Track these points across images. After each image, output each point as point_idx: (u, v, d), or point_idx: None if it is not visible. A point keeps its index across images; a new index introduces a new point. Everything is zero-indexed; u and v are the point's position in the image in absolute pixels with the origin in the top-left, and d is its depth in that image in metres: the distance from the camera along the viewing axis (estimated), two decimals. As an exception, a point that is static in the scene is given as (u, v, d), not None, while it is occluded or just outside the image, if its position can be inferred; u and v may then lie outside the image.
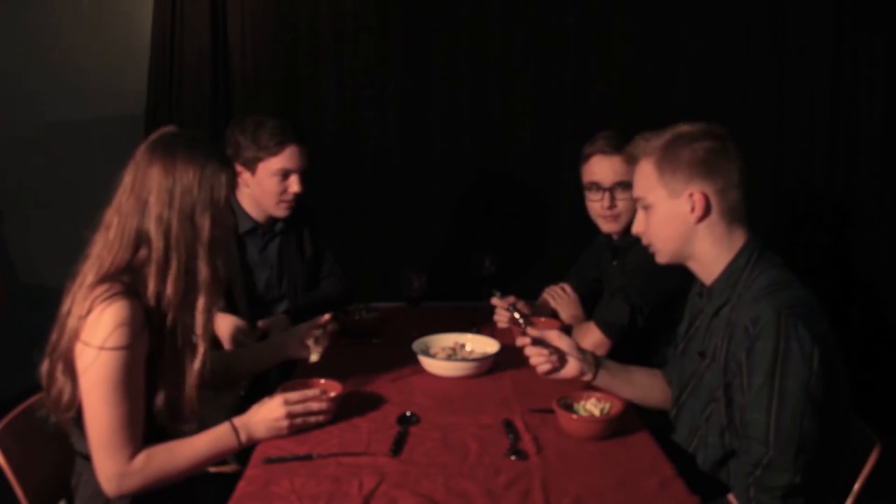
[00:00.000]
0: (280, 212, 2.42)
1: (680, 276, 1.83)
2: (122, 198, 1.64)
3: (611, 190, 2.28)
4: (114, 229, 1.61)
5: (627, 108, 3.39)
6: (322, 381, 1.85)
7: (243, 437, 1.65)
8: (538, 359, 1.88)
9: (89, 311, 1.52)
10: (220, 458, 1.67)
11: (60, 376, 1.58)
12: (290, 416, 1.68)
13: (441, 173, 3.55)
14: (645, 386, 1.92)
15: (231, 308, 2.30)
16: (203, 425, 1.66)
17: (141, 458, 1.54)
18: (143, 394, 1.57)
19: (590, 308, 2.44)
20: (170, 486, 1.59)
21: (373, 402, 1.87)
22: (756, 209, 1.76)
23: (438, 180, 3.56)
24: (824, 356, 1.52)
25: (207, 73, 3.53)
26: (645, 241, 1.79)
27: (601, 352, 2.12)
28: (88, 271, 1.60)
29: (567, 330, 2.30)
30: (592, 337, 2.18)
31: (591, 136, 2.40)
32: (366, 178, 3.57)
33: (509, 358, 2.11)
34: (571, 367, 1.87)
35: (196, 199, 1.61)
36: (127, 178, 1.65)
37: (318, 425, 1.73)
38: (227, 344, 2.17)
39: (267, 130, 2.34)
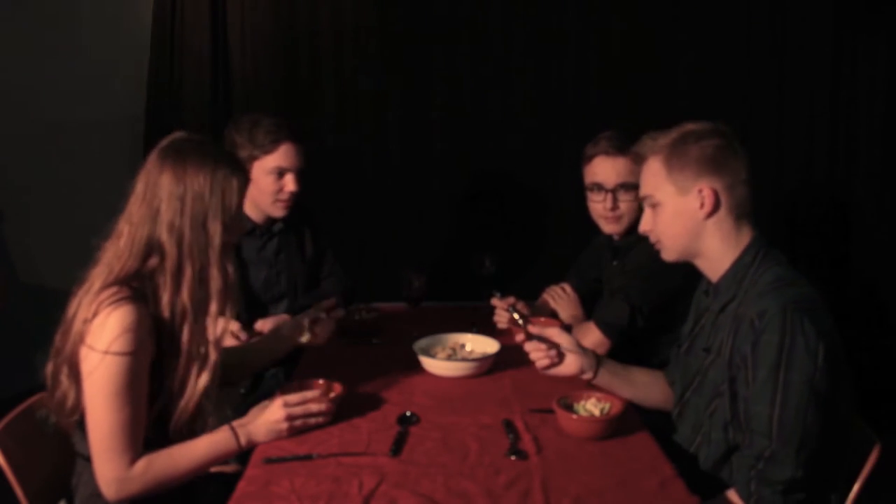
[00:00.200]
0: (277, 211, 2.42)
1: (680, 276, 1.84)
2: (134, 206, 1.63)
3: (613, 191, 2.28)
4: (125, 238, 1.61)
5: (627, 108, 3.39)
6: (321, 381, 1.85)
7: (243, 441, 1.64)
8: (537, 354, 1.88)
9: (95, 315, 1.52)
10: (220, 462, 1.67)
11: (65, 380, 1.58)
12: (290, 417, 1.68)
13: (441, 173, 3.55)
14: (645, 386, 1.92)
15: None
16: (205, 424, 1.66)
17: (141, 463, 1.55)
18: (146, 399, 1.57)
19: (589, 308, 2.44)
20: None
21: (373, 402, 1.87)
22: (756, 209, 1.76)
23: (438, 180, 3.56)
24: (829, 352, 1.53)
25: (207, 73, 3.53)
26: (652, 238, 1.80)
27: (601, 352, 2.12)
28: (96, 278, 1.59)
29: (567, 330, 2.30)
30: (592, 337, 2.18)
31: (591, 136, 2.40)
32: (366, 178, 3.57)
33: (509, 358, 2.11)
34: (571, 364, 1.87)
35: (207, 205, 1.61)
36: (139, 186, 1.64)
37: (318, 426, 1.73)
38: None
39: (262, 129, 2.34)
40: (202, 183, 1.60)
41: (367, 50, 3.52)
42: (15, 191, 3.51)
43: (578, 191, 2.43)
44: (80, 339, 1.53)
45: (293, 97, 3.54)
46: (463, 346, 2.19)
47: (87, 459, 1.58)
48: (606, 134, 2.32)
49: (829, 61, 3.33)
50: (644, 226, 1.80)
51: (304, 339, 2.03)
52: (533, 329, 1.91)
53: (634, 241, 2.24)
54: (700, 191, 1.69)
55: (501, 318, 2.40)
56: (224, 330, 2.18)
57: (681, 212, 1.72)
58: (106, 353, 1.50)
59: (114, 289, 1.54)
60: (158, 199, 1.60)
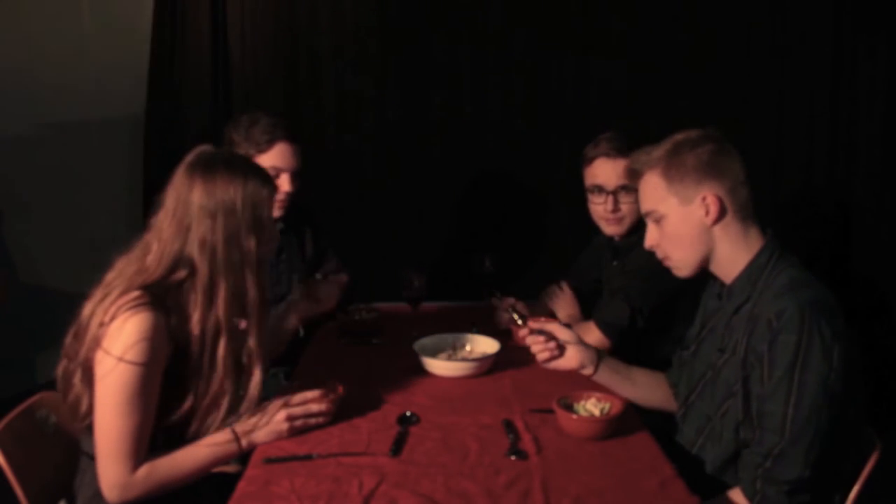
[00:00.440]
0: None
1: (679, 280, 1.83)
2: (164, 223, 1.61)
3: (614, 193, 2.27)
4: (153, 255, 1.60)
5: (627, 108, 3.39)
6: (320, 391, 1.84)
7: (244, 443, 1.65)
8: (538, 346, 1.87)
9: (113, 319, 1.52)
10: (221, 464, 1.67)
11: (78, 384, 1.59)
12: (291, 418, 1.68)
13: (441, 173, 3.55)
14: (645, 386, 1.92)
15: None
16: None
17: (143, 470, 1.55)
18: (157, 406, 1.57)
19: (588, 308, 2.44)
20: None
21: (373, 402, 1.87)
22: (756, 209, 1.76)
23: (438, 180, 3.56)
24: (844, 354, 1.53)
25: (207, 73, 3.53)
26: (660, 254, 1.78)
27: (600, 351, 2.12)
28: (115, 285, 1.58)
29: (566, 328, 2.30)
30: (592, 337, 2.18)
31: (590, 135, 2.40)
32: (365, 178, 3.57)
33: (509, 358, 2.11)
34: (572, 358, 1.86)
35: (240, 219, 1.60)
36: (168, 202, 1.62)
37: (319, 426, 1.73)
38: None
39: (259, 127, 2.34)
40: (233, 197, 1.60)
41: (367, 50, 3.52)
42: (15, 191, 3.51)
43: (578, 191, 2.43)
44: (97, 344, 1.54)
45: (293, 97, 3.54)
46: (463, 346, 2.20)
47: (93, 458, 1.59)
48: (606, 135, 2.31)
49: (829, 61, 3.33)
50: (649, 241, 1.78)
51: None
52: (534, 324, 1.90)
53: (635, 242, 2.24)
54: (703, 198, 1.68)
55: (501, 319, 2.40)
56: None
57: (687, 222, 1.70)
58: (121, 359, 1.50)
59: (134, 294, 1.54)
60: (189, 215, 1.59)
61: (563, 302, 2.47)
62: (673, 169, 1.70)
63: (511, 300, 2.42)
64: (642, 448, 1.66)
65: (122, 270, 1.61)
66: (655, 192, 1.73)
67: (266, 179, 1.67)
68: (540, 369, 1.94)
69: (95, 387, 1.54)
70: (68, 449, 1.79)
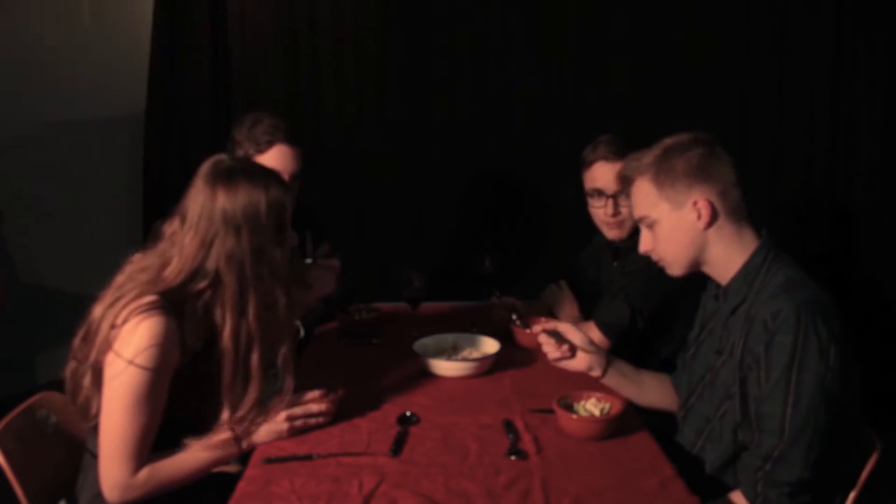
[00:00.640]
0: None
1: (682, 277, 1.83)
2: (186, 237, 1.59)
3: (614, 196, 2.27)
4: (172, 268, 1.59)
5: (627, 107, 3.39)
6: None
7: (244, 444, 1.65)
8: (548, 347, 1.87)
9: (125, 322, 1.52)
10: (221, 464, 1.68)
11: (88, 385, 1.59)
12: (291, 418, 1.69)
13: (441, 173, 3.55)
14: (653, 389, 1.92)
15: None
16: None
17: (144, 472, 1.56)
18: (164, 408, 1.58)
19: (586, 308, 2.44)
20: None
21: (373, 402, 1.87)
22: (755, 210, 1.76)
23: (438, 180, 3.56)
24: (840, 354, 1.53)
25: (207, 73, 3.53)
26: (655, 257, 1.79)
27: (600, 351, 2.12)
28: (128, 290, 1.57)
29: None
30: (592, 337, 2.17)
31: (590, 135, 2.40)
32: (366, 177, 3.57)
33: (509, 358, 2.11)
34: (581, 361, 1.86)
35: (265, 230, 1.60)
36: (190, 214, 1.60)
37: (319, 426, 1.73)
38: None
39: (260, 128, 2.34)
40: (257, 206, 1.59)
41: (367, 50, 3.52)
42: (15, 191, 3.51)
43: (578, 191, 2.43)
44: (108, 346, 1.54)
45: (293, 97, 3.54)
46: (463, 346, 2.19)
47: (96, 458, 1.59)
48: (605, 138, 2.31)
49: (829, 61, 3.33)
50: (644, 246, 1.79)
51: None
52: (547, 325, 1.90)
53: (636, 243, 2.23)
54: (695, 203, 1.68)
55: (500, 319, 2.40)
56: None
57: (679, 226, 1.71)
58: (131, 363, 1.51)
59: (149, 298, 1.54)
60: (213, 228, 1.58)
61: (564, 302, 2.47)
62: (663, 174, 1.70)
63: (510, 300, 2.42)
64: (642, 448, 1.66)
65: (135, 276, 1.60)
66: (647, 198, 1.74)
67: (284, 185, 1.67)
68: (540, 369, 1.95)
69: (104, 388, 1.55)
70: (69, 449, 1.79)
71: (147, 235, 2.44)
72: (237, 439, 1.64)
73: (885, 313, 3.39)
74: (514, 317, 2.28)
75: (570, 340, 1.86)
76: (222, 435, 1.63)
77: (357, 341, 2.36)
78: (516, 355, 2.14)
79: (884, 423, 1.99)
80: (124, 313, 1.53)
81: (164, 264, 1.60)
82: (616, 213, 2.28)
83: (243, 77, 3.56)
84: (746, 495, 1.59)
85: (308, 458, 1.60)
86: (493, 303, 2.44)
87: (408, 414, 1.80)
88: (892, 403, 3.32)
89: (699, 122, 1.81)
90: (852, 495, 1.64)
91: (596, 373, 1.87)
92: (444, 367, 2.05)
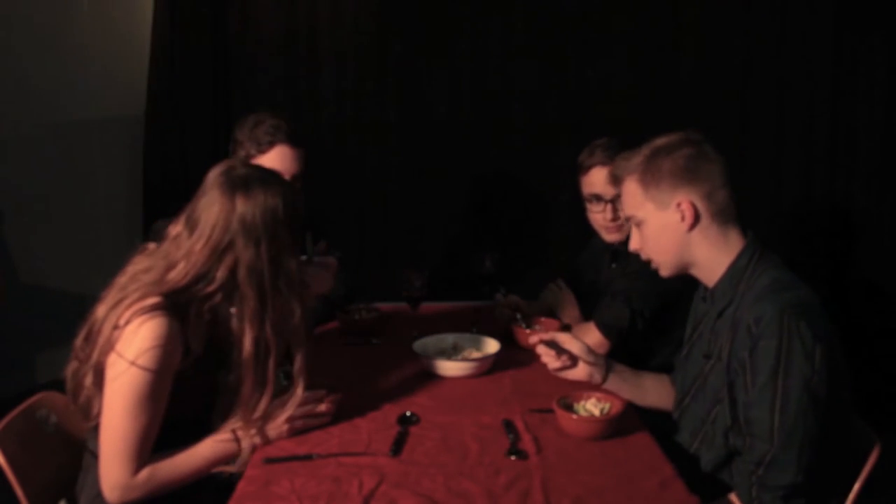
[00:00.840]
0: None
1: (681, 280, 1.83)
2: (196, 244, 1.58)
3: (612, 201, 2.27)
4: (177, 272, 1.58)
5: (627, 108, 3.39)
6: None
7: (245, 444, 1.65)
8: (548, 358, 1.88)
9: (128, 323, 1.53)
10: (221, 464, 1.68)
11: (90, 385, 1.59)
12: (291, 419, 1.69)
13: (441, 173, 3.55)
14: (654, 391, 1.92)
15: None
16: None
17: (145, 473, 1.56)
18: (165, 410, 1.58)
19: (584, 308, 2.44)
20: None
21: (373, 402, 1.87)
22: (755, 211, 1.76)
23: (439, 180, 3.56)
24: (826, 355, 1.52)
25: (207, 73, 3.53)
26: (644, 256, 1.80)
27: (600, 353, 2.12)
28: (132, 291, 1.57)
29: (566, 330, 2.30)
30: (592, 338, 2.18)
31: (591, 135, 2.40)
32: (365, 178, 3.57)
33: (509, 358, 2.11)
34: (581, 370, 1.87)
35: (282, 241, 1.61)
36: (203, 222, 1.58)
37: (319, 426, 1.73)
38: None
39: (261, 128, 2.33)
40: (276, 217, 1.59)
41: (367, 50, 3.52)
42: (15, 191, 3.51)
43: (574, 195, 2.43)
44: (110, 346, 1.54)
45: (293, 97, 3.54)
46: (463, 346, 2.19)
47: (97, 458, 1.59)
48: (601, 142, 2.29)
49: (829, 61, 3.33)
50: (633, 245, 1.80)
51: None
52: (543, 334, 1.91)
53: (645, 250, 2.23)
54: (679, 204, 1.68)
55: (502, 317, 2.40)
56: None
57: (664, 227, 1.71)
58: (133, 363, 1.51)
59: (152, 299, 1.54)
60: (227, 238, 1.57)
61: (565, 303, 2.47)
62: (648, 175, 1.71)
63: (515, 298, 2.42)
64: (642, 448, 1.66)
65: (138, 276, 1.60)
66: (634, 198, 1.74)
67: (296, 192, 1.68)
68: (540, 369, 1.94)
69: (105, 389, 1.55)
70: (69, 449, 1.79)
71: (147, 235, 2.44)
72: (237, 440, 1.64)
73: (885, 313, 3.39)
74: (518, 316, 2.28)
75: (568, 350, 1.87)
76: (223, 435, 1.63)
77: (357, 341, 2.36)
78: (516, 355, 2.14)
79: (884, 424, 1.98)
80: (127, 314, 1.53)
81: (170, 267, 1.59)
82: (615, 217, 2.28)
83: (243, 77, 3.56)
84: (741, 499, 1.59)
85: (308, 458, 1.60)
86: (497, 300, 2.44)
87: (408, 414, 1.80)
88: (892, 403, 3.32)
89: (699, 122, 1.81)
90: (852, 495, 1.64)
91: (596, 380, 1.87)
92: (445, 367, 2.05)
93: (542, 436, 1.70)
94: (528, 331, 2.24)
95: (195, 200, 1.63)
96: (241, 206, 1.58)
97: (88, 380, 1.59)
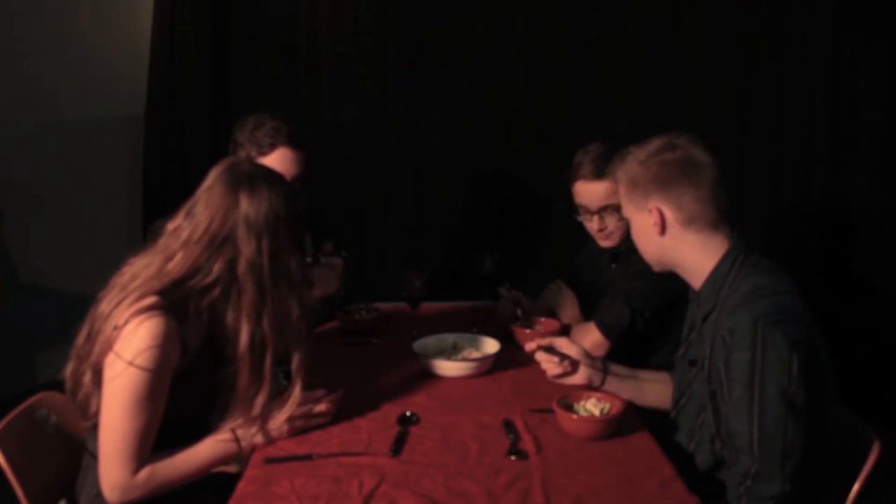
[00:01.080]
0: None
1: (681, 279, 1.83)
2: (195, 234, 1.58)
3: (598, 213, 2.28)
4: (175, 262, 1.59)
5: (627, 108, 3.39)
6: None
7: (244, 444, 1.65)
8: (549, 365, 1.90)
9: (126, 323, 1.53)
10: (221, 464, 1.68)
11: (88, 383, 1.59)
12: (291, 419, 1.69)
13: (441, 173, 3.56)
14: (654, 390, 1.92)
15: None
16: None
17: (145, 472, 1.56)
18: (164, 409, 1.58)
19: (585, 309, 2.44)
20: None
21: (373, 402, 1.87)
22: (754, 211, 1.76)
23: (438, 180, 3.56)
24: (804, 363, 1.50)
25: (207, 73, 3.53)
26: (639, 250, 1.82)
27: (600, 353, 2.12)
28: (132, 289, 1.58)
29: (566, 329, 2.30)
30: (592, 337, 2.18)
31: (590, 135, 2.40)
32: (365, 178, 3.58)
33: (509, 358, 2.11)
34: (581, 375, 1.89)
35: (284, 240, 1.61)
36: (202, 215, 1.59)
37: (319, 426, 1.73)
38: None
39: (262, 130, 2.33)
40: (279, 215, 1.60)
41: (367, 49, 3.52)
42: (15, 190, 3.51)
43: (568, 203, 2.42)
44: (109, 346, 1.54)
45: (293, 97, 3.55)
46: (463, 346, 2.19)
47: (96, 458, 1.59)
48: (589, 154, 2.26)
49: (829, 61, 3.33)
50: (633, 237, 1.83)
51: None
52: (543, 342, 1.92)
53: (634, 245, 2.23)
54: (650, 210, 1.70)
55: (504, 311, 2.41)
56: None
57: (643, 229, 1.74)
58: (131, 364, 1.51)
59: (150, 299, 1.54)
60: (226, 230, 1.58)
61: (565, 302, 2.47)
62: (629, 178, 1.73)
63: (518, 294, 2.43)
64: (642, 448, 1.66)
65: (139, 272, 1.61)
66: (622, 197, 1.79)
67: (300, 193, 1.68)
68: (540, 370, 1.95)
69: (103, 389, 1.55)
70: (69, 449, 1.79)
71: (147, 235, 2.44)
72: (237, 439, 1.64)
73: (885, 313, 3.39)
74: (518, 312, 2.28)
75: (567, 355, 1.87)
76: (223, 435, 1.64)
77: (357, 341, 2.36)
78: (516, 355, 2.14)
79: (884, 424, 1.98)
80: (126, 314, 1.53)
81: (168, 258, 1.60)
82: (602, 227, 2.29)
83: (243, 77, 3.56)
84: None
85: (308, 458, 1.60)
86: (500, 293, 2.44)
87: (408, 414, 1.80)
88: (892, 403, 3.32)
89: (699, 122, 1.81)
90: (852, 495, 1.64)
91: (595, 383, 1.88)
92: (444, 367, 2.05)
93: (542, 436, 1.70)
94: (527, 331, 2.25)
95: (196, 194, 1.64)
96: (245, 201, 1.59)
97: (87, 377, 1.59)
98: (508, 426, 1.74)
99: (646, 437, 1.70)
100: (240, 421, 1.64)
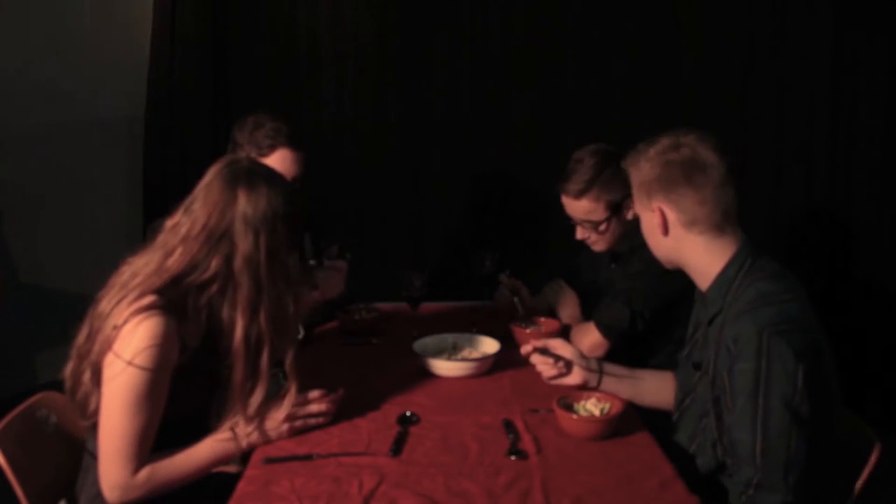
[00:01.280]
0: None
1: (681, 280, 1.82)
2: (193, 229, 1.59)
3: (582, 224, 2.30)
4: (175, 258, 1.59)
5: (627, 108, 3.39)
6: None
7: (244, 444, 1.65)
8: (544, 367, 1.89)
9: (125, 323, 1.53)
10: (221, 464, 1.68)
11: (87, 382, 1.60)
12: (291, 418, 1.69)
13: (441, 173, 3.55)
14: (653, 390, 1.91)
15: None
16: None
17: (144, 472, 1.56)
18: (164, 408, 1.58)
19: (585, 309, 2.44)
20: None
21: (373, 402, 1.87)
22: (754, 211, 1.75)
23: (438, 180, 3.56)
24: (810, 373, 1.48)
25: (207, 72, 3.53)
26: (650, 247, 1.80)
27: (599, 353, 2.13)
28: (132, 287, 1.58)
29: (566, 329, 2.30)
30: (591, 338, 2.18)
31: (590, 135, 2.40)
32: (365, 178, 3.57)
33: (509, 358, 2.11)
34: (576, 376, 1.88)
35: (281, 238, 1.61)
36: (200, 211, 1.60)
37: (319, 426, 1.74)
38: None
39: (262, 131, 2.34)
40: (276, 213, 1.60)
41: (367, 49, 3.52)
42: (15, 191, 3.51)
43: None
44: (108, 346, 1.54)
45: (293, 97, 3.54)
46: (463, 346, 2.19)
47: (96, 458, 1.59)
48: (576, 172, 2.25)
49: (829, 61, 3.33)
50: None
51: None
52: (537, 343, 1.92)
53: (637, 245, 2.24)
54: (653, 210, 1.68)
55: (502, 298, 2.41)
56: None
57: (650, 226, 1.72)
58: (130, 363, 1.51)
59: (149, 299, 1.54)
60: (224, 225, 1.58)
61: (566, 301, 2.47)
62: (637, 174, 1.72)
63: (518, 283, 2.43)
64: (642, 448, 1.66)
65: (139, 270, 1.61)
66: (633, 191, 1.76)
67: (300, 192, 1.68)
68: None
69: (102, 389, 1.55)
70: (69, 449, 1.79)
71: (147, 235, 2.44)
72: (237, 439, 1.64)
73: (885, 313, 3.39)
74: (515, 300, 2.29)
75: (562, 356, 1.87)
76: (222, 435, 1.64)
77: (357, 341, 2.36)
78: (516, 355, 2.13)
79: (884, 424, 1.98)
80: (125, 314, 1.53)
81: (168, 254, 1.60)
82: (585, 236, 2.31)
83: (243, 77, 3.56)
84: None
85: (308, 458, 1.60)
86: (499, 279, 2.46)
87: (408, 414, 1.80)
88: (893, 404, 3.32)
89: (699, 122, 1.79)
90: (851, 497, 1.63)
91: (591, 385, 1.87)
92: (444, 367, 2.05)
93: (542, 436, 1.70)
94: (527, 331, 2.25)
95: (194, 191, 1.64)
96: (243, 197, 1.59)
97: (86, 376, 1.59)
98: (508, 426, 1.74)
99: (646, 437, 1.70)
100: (238, 419, 1.64)
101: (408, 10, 3.50)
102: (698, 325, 1.83)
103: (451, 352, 2.16)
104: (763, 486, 1.49)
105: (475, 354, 2.14)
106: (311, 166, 2.45)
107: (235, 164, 1.65)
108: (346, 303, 2.52)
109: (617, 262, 2.38)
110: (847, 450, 1.66)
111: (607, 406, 1.75)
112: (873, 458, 1.64)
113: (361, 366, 2.14)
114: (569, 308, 2.45)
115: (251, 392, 1.63)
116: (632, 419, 1.76)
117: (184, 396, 1.61)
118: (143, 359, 1.51)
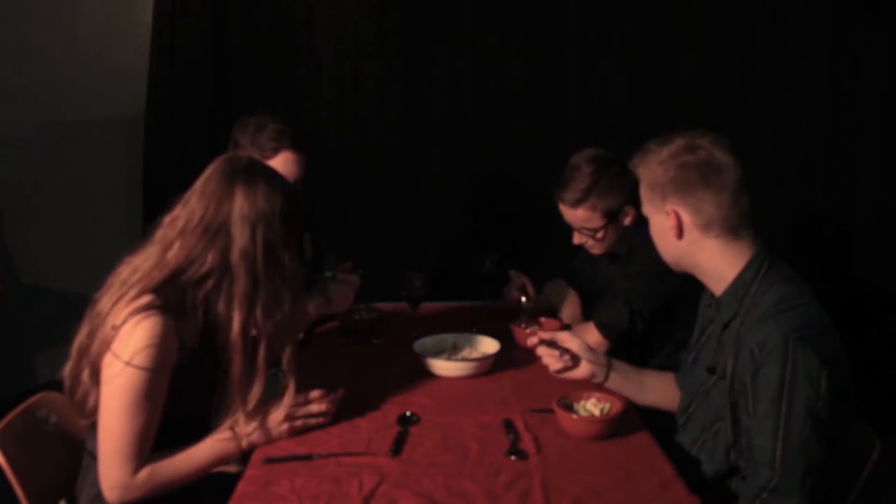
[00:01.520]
0: None
1: (682, 279, 1.82)
2: (190, 224, 1.60)
3: (580, 230, 2.30)
4: (173, 252, 1.59)
5: (627, 107, 3.39)
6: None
7: (244, 444, 1.65)
8: (550, 359, 1.88)
9: (124, 323, 1.53)
10: (221, 464, 1.68)
11: (86, 381, 1.60)
12: (291, 418, 1.69)
13: (441, 173, 3.55)
14: (657, 391, 1.91)
15: None
16: None
17: (144, 472, 1.56)
18: (163, 407, 1.58)
19: (585, 309, 2.44)
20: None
21: (373, 402, 1.87)
22: (754, 213, 1.73)
23: (438, 180, 3.56)
24: (832, 379, 1.47)
25: (207, 73, 3.53)
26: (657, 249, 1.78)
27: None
28: (131, 285, 1.58)
29: (566, 329, 2.30)
30: (591, 338, 2.18)
31: (590, 135, 2.41)
32: (365, 178, 3.57)
33: (509, 358, 2.11)
34: (583, 369, 1.86)
35: (277, 231, 1.61)
36: (197, 206, 1.61)
37: (319, 426, 1.74)
38: None
39: (265, 133, 2.34)
40: (273, 211, 1.60)
41: (367, 49, 3.52)
42: (15, 191, 3.51)
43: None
44: (106, 346, 1.54)
45: (293, 97, 3.54)
46: (463, 346, 2.19)
47: (96, 458, 1.59)
48: (573, 180, 2.24)
49: (829, 61, 3.33)
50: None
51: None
52: (544, 334, 1.90)
53: (636, 245, 2.24)
54: (667, 213, 1.66)
55: (511, 294, 2.44)
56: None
57: (661, 229, 1.70)
58: (128, 363, 1.51)
59: (147, 298, 1.54)
60: (220, 221, 1.59)
61: (567, 300, 2.47)
62: (648, 177, 1.69)
63: (526, 280, 2.43)
64: (642, 448, 1.66)
65: (139, 266, 1.61)
66: (642, 194, 1.73)
67: (298, 192, 1.68)
68: (540, 369, 1.94)
69: (101, 389, 1.55)
70: (69, 449, 1.79)
71: (147, 234, 2.44)
72: (237, 439, 1.64)
73: (885, 314, 3.39)
74: (522, 299, 2.31)
75: (568, 349, 1.86)
76: (222, 434, 1.64)
77: (357, 341, 2.36)
78: (516, 355, 2.14)
79: (884, 424, 1.98)
80: (124, 314, 1.53)
81: (167, 248, 1.60)
82: (582, 242, 2.31)
83: (243, 77, 3.56)
84: None
85: (308, 458, 1.60)
86: (509, 275, 2.48)
87: (408, 414, 1.80)
88: (893, 404, 3.32)
89: (698, 122, 1.79)
90: (851, 497, 1.63)
91: (599, 379, 1.86)
92: (444, 367, 2.05)
93: (542, 436, 1.70)
94: (527, 330, 2.25)
95: (193, 185, 1.65)
96: (241, 192, 1.60)
97: (85, 375, 1.59)
98: (508, 426, 1.74)
99: (646, 437, 1.70)
100: (238, 416, 1.64)
101: (408, 10, 3.49)
102: (704, 328, 1.82)
103: (451, 352, 2.16)
104: (779, 489, 1.48)
105: (475, 354, 2.14)
106: (311, 166, 2.45)
107: (234, 161, 1.66)
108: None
109: (616, 263, 2.38)
110: (847, 449, 1.66)
111: (607, 406, 1.75)
112: (873, 458, 1.64)
113: (361, 366, 2.15)
114: (570, 307, 2.45)
115: (249, 387, 1.63)
116: (632, 419, 1.76)
117: (183, 396, 1.61)
118: (142, 359, 1.51)
